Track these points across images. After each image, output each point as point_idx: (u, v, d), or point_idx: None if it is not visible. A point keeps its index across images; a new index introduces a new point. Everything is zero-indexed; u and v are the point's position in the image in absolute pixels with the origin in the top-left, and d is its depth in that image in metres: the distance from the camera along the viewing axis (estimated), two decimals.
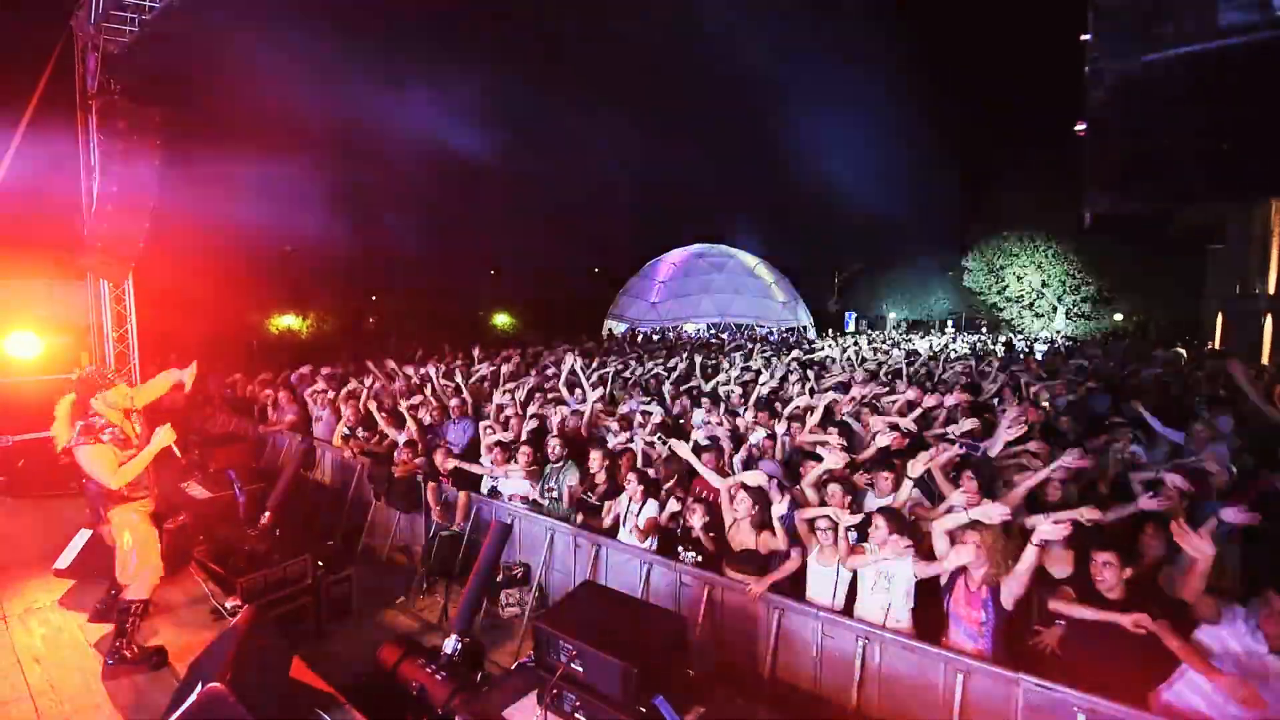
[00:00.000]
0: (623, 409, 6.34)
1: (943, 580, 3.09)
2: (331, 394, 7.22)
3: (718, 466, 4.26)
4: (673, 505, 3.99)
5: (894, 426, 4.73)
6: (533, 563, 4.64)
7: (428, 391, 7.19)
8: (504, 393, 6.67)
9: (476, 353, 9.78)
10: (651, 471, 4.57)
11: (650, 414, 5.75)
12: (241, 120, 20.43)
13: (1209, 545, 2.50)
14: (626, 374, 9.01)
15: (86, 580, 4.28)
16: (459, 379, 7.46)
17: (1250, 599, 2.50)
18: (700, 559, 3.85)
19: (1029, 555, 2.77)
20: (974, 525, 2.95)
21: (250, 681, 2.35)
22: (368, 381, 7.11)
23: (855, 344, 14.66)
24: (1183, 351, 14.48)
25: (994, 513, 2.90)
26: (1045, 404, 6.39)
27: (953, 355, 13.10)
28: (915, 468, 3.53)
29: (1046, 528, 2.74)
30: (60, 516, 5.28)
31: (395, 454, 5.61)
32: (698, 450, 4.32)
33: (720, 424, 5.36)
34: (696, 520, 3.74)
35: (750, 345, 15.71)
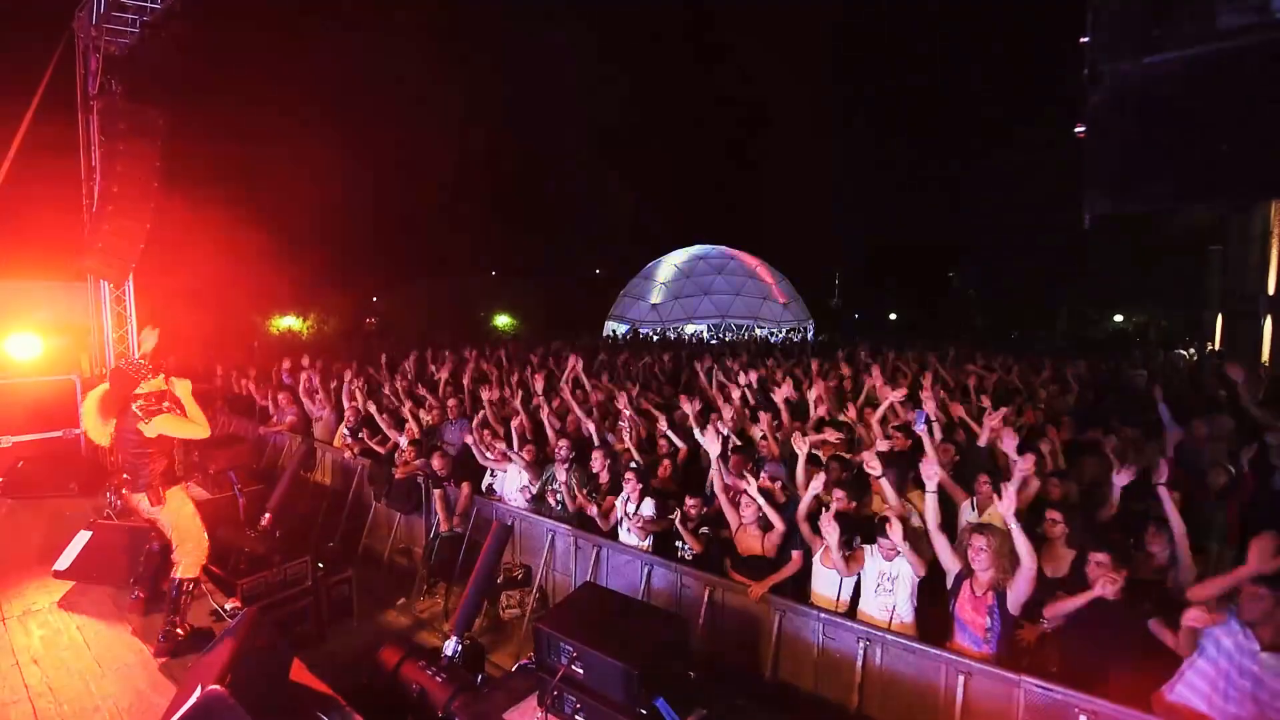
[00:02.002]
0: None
1: (948, 584, 3.09)
2: (328, 386, 7.20)
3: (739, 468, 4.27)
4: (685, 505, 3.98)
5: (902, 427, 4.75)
6: (533, 564, 4.64)
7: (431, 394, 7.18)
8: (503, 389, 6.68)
9: (473, 354, 9.74)
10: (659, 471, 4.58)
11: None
12: (243, 121, 20.46)
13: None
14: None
15: (86, 582, 4.27)
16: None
17: None
18: (697, 550, 3.85)
19: (1021, 544, 2.76)
20: (980, 529, 2.94)
21: (250, 684, 2.34)
22: (352, 380, 7.09)
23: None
24: (1184, 353, 14.46)
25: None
26: (1041, 405, 6.40)
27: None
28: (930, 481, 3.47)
29: (1009, 496, 2.78)
30: (60, 518, 5.27)
31: (396, 455, 5.61)
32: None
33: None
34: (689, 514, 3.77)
35: (742, 344, 15.61)
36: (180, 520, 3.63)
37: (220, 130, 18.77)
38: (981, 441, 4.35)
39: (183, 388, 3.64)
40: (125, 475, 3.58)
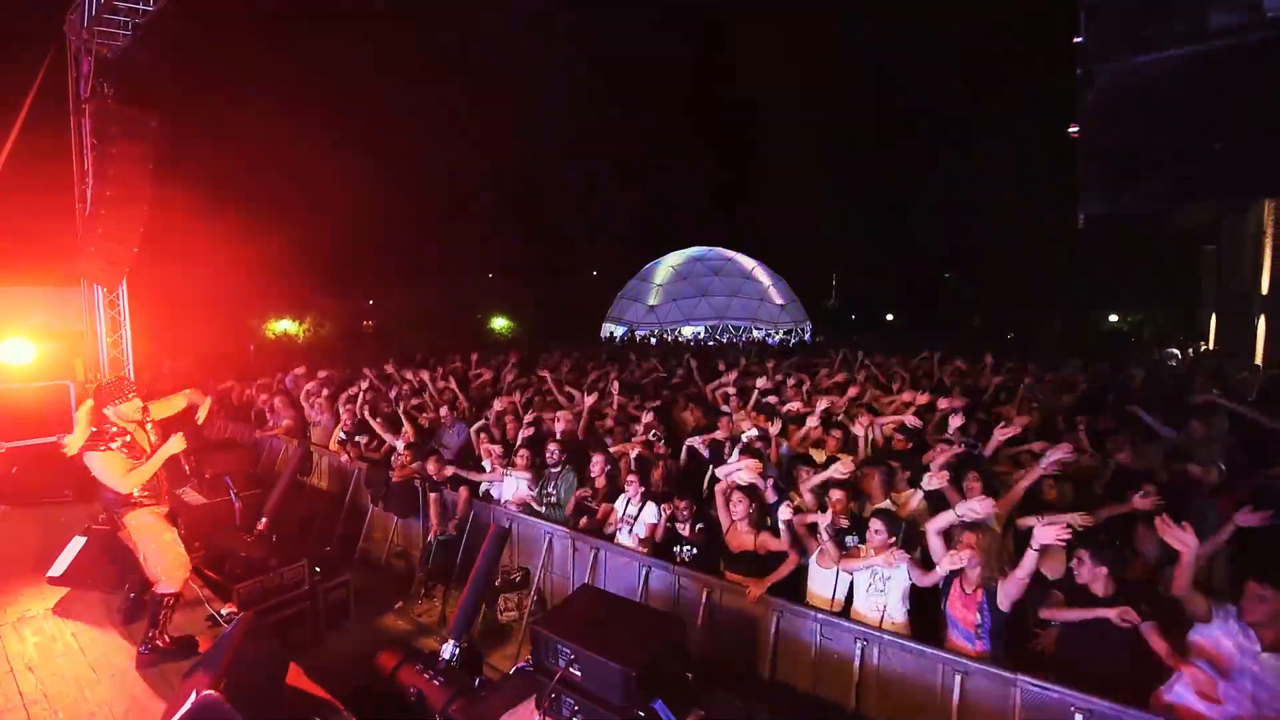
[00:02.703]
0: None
1: (939, 583, 3.09)
2: (325, 394, 7.19)
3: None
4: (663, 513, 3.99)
5: (903, 428, 4.76)
6: (531, 567, 4.63)
7: (425, 396, 7.18)
8: (504, 394, 6.67)
9: (474, 358, 9.73)
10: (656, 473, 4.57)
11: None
12: (236, 123, 20.41)
13: (1191, 538, 2.49)
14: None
15: (80, 588, 4.25)
16: (453, 383, 7.45)
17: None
18: (696, 552, 3.85)
19: (1029, 560, 2.76)
20: (970, 527, 2.95)
21: (246, 688, 2.33)
22: (363, 385, 7.08)
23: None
24: (1175, 351, 14.53)
25: (977, 508, 2.91)
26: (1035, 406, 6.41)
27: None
28: (930, 480, 3.51)
29: (1044, 532, 2.72)
30: (54, 523, 5.24)
31: (393, 458, 5.59)
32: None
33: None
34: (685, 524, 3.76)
35: (744, 348, 15.64)
36: (142, 543, 3.54)
37: (214, 133, 18.73)
38: (987, 452, 4.35)
39: (173, 444, 3.56)
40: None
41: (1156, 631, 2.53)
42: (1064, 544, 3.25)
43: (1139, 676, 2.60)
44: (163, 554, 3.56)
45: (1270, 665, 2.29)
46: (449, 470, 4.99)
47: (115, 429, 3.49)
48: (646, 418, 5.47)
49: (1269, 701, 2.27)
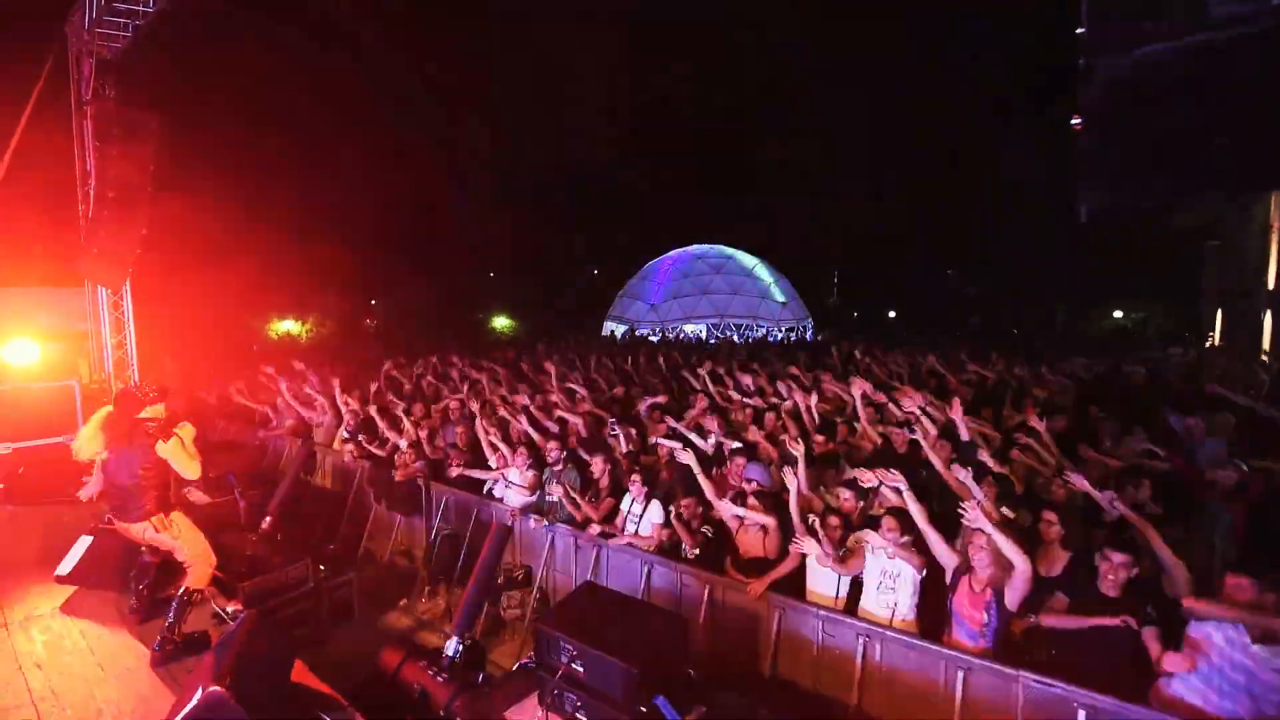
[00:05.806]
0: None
1: (947, 578, 3.09)
2: (321, 400, 7.20)
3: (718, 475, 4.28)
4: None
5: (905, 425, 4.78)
6: (534, 564, 4.65)
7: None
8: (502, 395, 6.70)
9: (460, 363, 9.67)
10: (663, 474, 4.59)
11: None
12: (237, 124, 20.44)
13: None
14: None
15: (87, 586, 4.28)
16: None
17: None
18: (699, 551, 3.86)
19: (1011, 551, 2.76)
20: (982, 529, 2.94)
21: (252, 685, 2.35)
22: (371, 388, 7.12)
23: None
24: (1179, 350, 14.45)
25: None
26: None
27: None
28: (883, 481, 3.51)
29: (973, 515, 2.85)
30: (61, 523, 5.26)
31: (396, 457, 5.61)
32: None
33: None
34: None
35: (742, 344, 15.56)
36: (188, 538, 3.73)
37: (215, 133, 18.76)
38: (964, 436, 4.33)
39: (186, 432, 3.73)
40: (116, 504, 3.64)
41: (1156, 636, 2.53)
42: (1062, 541, 3.25)
43: (1139, 674, 2.60)
44: (205, 550, 3.75)
45: (1263, 657, 2.29)
46: (455, 472, 5.04)
47: (161, 421, 3.66)
48: (643, 405, 5.50)
49: (1263, 694, 2.27)
